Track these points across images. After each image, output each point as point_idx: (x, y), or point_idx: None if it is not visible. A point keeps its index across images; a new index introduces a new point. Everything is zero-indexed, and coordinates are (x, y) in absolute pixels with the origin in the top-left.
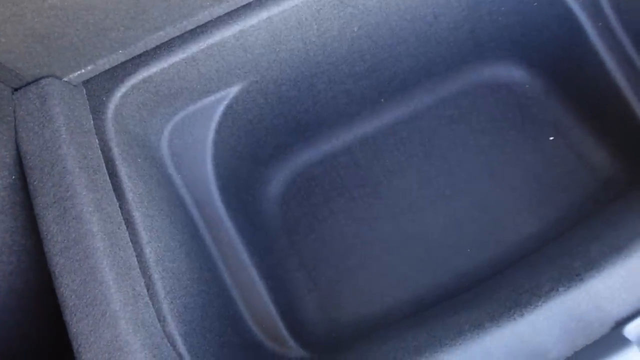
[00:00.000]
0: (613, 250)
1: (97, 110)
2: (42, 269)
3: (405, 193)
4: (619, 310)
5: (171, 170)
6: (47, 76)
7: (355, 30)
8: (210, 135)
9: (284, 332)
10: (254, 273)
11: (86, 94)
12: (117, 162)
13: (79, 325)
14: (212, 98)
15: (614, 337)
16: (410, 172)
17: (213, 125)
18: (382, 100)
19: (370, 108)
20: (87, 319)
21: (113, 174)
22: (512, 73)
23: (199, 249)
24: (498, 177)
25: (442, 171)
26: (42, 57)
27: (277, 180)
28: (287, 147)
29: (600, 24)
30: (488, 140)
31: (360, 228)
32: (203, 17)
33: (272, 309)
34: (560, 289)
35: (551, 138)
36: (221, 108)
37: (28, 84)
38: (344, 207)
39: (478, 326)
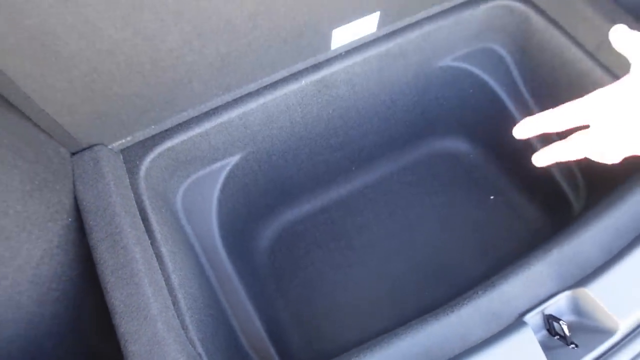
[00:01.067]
0: (517, 266)
1: (132, 171)
2: (83, 297)
3: (374, 244)
4: (521, 305)
5: (184, 222)
6: (98, 144)
7: (330, 112)
8: (215, 194)
9: (276, 358)
10: (249, 308)
11: (123, 159)
12: (148, 210)
13: (126, 326)
14: (218, 164)
15: (517, 323)
16: (377, 227)
17: (218, 186)
18: (353, 168)
19: (344, 175)
20: (132, 321)
21: (145, 219)
22: (458, 145)
23: (206, 284)
24: (450, 229)
25: (404, 226)
26: (98, 130)
27: (266, 234)
28: (275, 207)
29: (519, 103)
30: (441, 200)
31: (337, 274)
32: (215, 102)
33: (265, 338)
34: (480, 292)
35: (492, 197)
36: (224, 173)
37: (84, 149)
38: (323, 258)
39: (422, 321)
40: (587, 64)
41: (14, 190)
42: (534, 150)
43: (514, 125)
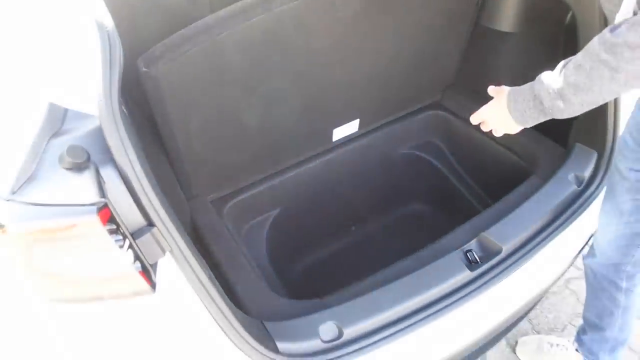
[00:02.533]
0: (452, 236)
1: (219, 214)
2: None
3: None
4: (455, 246)
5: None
6: (200, 195)
7: (335, 183)
8: (264, 233)
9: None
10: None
11: (212, 205)
12: (232, 232)
13: (229, 271)
14: (266, 214)
15: (452, 254)
16: (370, 260)
17: (266, 229)
18: (353, 227)
19: (344, 230)
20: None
21: (231, 235)
22: (422, 208)
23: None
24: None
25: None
26: (203, 188)
27: (297, 269)
28: (301, 248)
29: (456, 175)
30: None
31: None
32: (266, 173)
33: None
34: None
35: None
36: (270, 220)
37: (193, 197)
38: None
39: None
40: (487, 142)
41: None
42: (470, 203)
43: (454, 189)
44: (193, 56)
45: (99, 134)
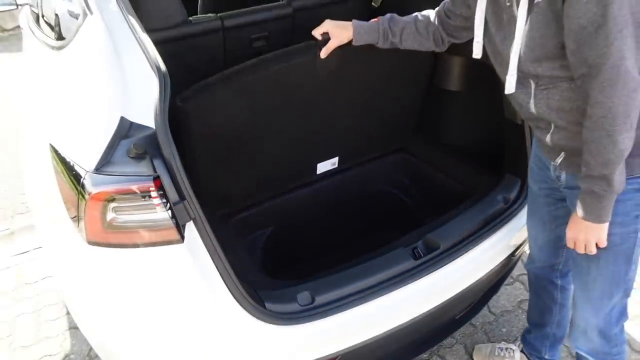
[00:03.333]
0: (404, 240)
1: (225, 225)
2: None
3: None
4: (406, 244)
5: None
6: (224, 213)
7: (320, 211)
8: (261, 245)
9: None
10: None
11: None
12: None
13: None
14: (263, 230)
15: (403, 250)
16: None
17: (262, 243)
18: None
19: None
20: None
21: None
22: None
23: None
24: None
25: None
26: (216, 205)
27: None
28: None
29: (421, 208)
30: None
31: None
32: (262, 198)
33: None
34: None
35: None
36: (265, 236)
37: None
38: None
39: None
40: (442, 177)
41: None
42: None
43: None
44: (214, 99)
45: (153, 138)
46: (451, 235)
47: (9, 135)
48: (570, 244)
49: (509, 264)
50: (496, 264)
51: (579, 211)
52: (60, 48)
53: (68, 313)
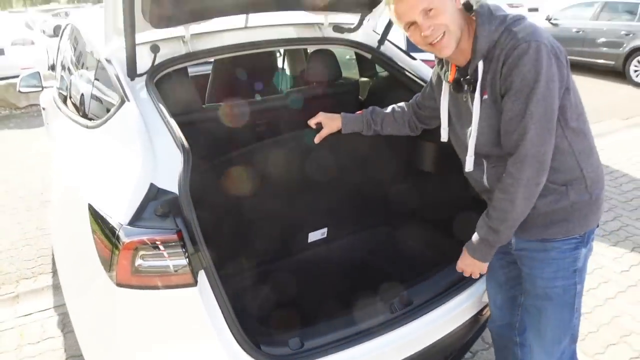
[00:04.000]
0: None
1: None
2: None
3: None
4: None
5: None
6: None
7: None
8: (258, 299)
9: None
10: None
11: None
12: None
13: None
14: (259, 287)
15: (386, 306)
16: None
17: (259, 297)
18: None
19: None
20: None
21: None
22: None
23: None
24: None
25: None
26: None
27: None
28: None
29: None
30: None
31: None
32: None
33: None
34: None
35: None
36: (264, 292)
37: None
38: None
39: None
40: (423, 249)
41: None
42: None
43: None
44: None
45: (176, 201)
46: (423, 293)
47: (19, 204)
48: (459, 270)
49: (477, 322)
50: (465, 320)
51: (471, 252)
52: (95, 127)
53: None
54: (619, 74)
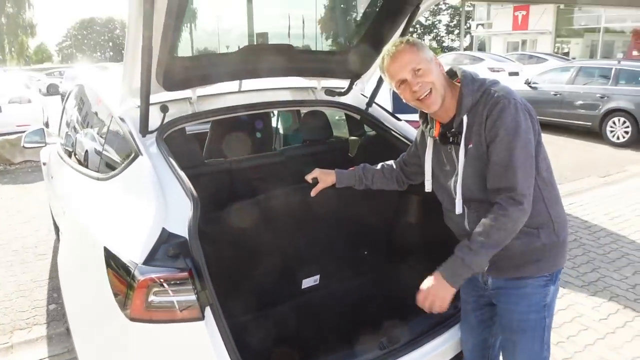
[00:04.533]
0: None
1: None
2: None
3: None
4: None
5: None
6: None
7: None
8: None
9: None
10: None
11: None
12: None
13: None
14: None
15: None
16: None
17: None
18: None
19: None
20: None
21: None
22: None
23: None
24: None
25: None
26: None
27: None
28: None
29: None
30: None
31: None
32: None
33: None
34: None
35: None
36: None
37: None
38: None
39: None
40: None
41: None
42: None
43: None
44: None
45: (185, 244)
46: (410, 332)
47: (13, 257)
48: (420, 299)
49: None
50: (449, 359)
51: (442, 270)
52: (107, 178)
53: None
54: (595, 134)
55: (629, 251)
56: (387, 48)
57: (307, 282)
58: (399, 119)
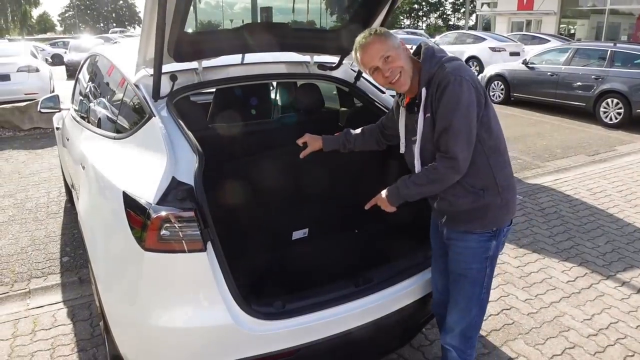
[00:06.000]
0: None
1: None
2: None
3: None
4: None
5: None
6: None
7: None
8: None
9: None
10: None
11: None
12: None
13: None
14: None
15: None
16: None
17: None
18: None
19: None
20: None
21: None
22: None
23: None
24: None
25: None
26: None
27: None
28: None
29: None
30: None
31: None
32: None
33: None
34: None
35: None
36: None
37: None
38: None
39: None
40: (389, 249)
41: None
42: None
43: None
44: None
45: (191, 190)
46: (382, 274)
47: (28, 215)
48: (370, 202)
49: (426, 304)
50: (416, 298)
51: (388, 191)
52: (123, 137)
53: (80, 350)
54: (589, 114)
55: (605, 223)
56: (358, 40)
57: (297, 234)
58: (383, 92)
